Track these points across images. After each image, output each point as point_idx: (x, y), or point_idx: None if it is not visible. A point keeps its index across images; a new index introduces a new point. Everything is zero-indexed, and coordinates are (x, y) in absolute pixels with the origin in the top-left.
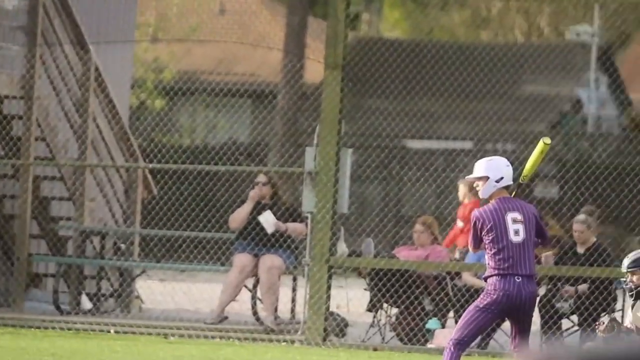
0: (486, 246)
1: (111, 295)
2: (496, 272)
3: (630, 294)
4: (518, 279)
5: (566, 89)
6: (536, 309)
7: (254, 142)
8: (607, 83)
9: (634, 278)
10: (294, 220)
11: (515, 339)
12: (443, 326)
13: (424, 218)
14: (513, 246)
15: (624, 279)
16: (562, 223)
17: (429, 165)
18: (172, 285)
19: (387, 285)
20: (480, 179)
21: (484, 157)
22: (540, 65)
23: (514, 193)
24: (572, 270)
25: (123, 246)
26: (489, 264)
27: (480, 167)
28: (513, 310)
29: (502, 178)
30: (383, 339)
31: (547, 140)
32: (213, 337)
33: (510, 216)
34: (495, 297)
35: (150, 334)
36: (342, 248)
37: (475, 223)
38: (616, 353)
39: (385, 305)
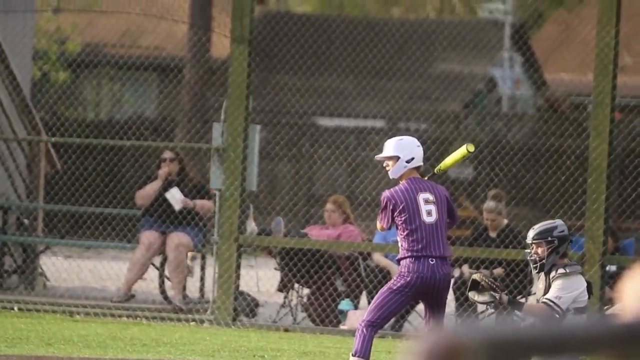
0: (398, 227)
1: (14, 272)
2: (409, 253)
3: (534, 266)
4: (432, 260)
5: (479, 68)
6: (451, 291)
7: (160, 117)
8: (521, 62)
9: (539, 250)
10: (202, 197)
11: (429, 321)
12: (356, 307)
13: (335, 197)
14: (426, 227)
15: (528, 251)
16: (477, 204)
17: (340, 143)
18: (78, 262)
19: (298, 265)
20: (390, 158)
21: (396, 136)
22: (452, 43)
23: (426, 178)
24: (486, 252)
25: (26, 221)
26: (402, 245)
27: (391, 146)
28: (427, 293)
29: (413, 158)
30: (294, 319)
31: (471, 147)
32: (120, 316)
33: (422, 197)
34: (409, 279)
35: (55, 312)
36: (252, 226)
37: (387, 203)
38: (523, 334)
39: (296, 285)
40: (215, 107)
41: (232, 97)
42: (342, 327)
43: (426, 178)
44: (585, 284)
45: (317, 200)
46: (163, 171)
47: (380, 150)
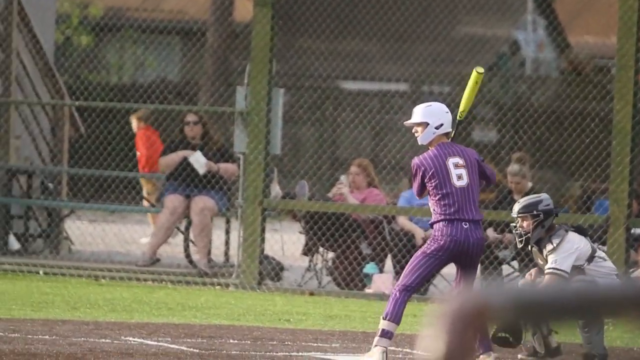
0: (430, 193)
1: (39, 236)
2: (442, 217)
3: (519, 239)
4: (465, 224)
5: (503, 30)
6: None
7: (183, 81)
8: (545, 25)
9: (524, 224)
10: (226, 161)
11: (459, 284)
12: (381, 271)
13: (359, 160)
14: (457, 191)
15: (514, 224)
16: (501, 167)
17: (363, 106)
18: (102, 226)
19: (323, 229)
20: (419, 124)
21: (419, 99)
22: (475, 6)
23: (453, 133)
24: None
25: (51, 185)
26: (434, 210)
27: (419, 112)
28: (460, 256)
29: (442, 125)
30: (319, 283)
31: (480, 69)
32: (145, 280)
33: (451, 161)
34: (442, 242)
35: (80, 276)
36: (276, 190)
37: (416, 171)
38: (549, 293)
39: (321, 249)
40: (239, 71)
41: (255, 61)
42: (367, 290)
43: (454, 133)
44: (577, 240)
45: (341, 164)
46: (205, 163)
47: (404, 114)
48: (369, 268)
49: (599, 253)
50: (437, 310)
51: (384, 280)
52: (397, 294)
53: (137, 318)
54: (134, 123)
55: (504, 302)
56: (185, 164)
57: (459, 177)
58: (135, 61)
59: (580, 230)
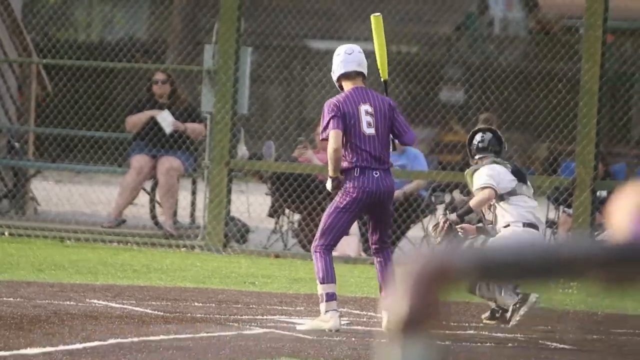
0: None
1: (5, 196)
2: (353, 165)
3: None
4: (376, 173)
5: None
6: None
7: (151, 39)
8: None
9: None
10: (193, 121)
11: (374, 234)
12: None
13: None
14: (366, 139)
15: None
16: (468, 128)
17: (331, 66)
18: (69, 187)
19: (289, 190)
20: None
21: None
22: None
23: (385, 95)
24: None
25: (17, 145)
26: (345, 157)
27: None
28: (372, 206)
29: (333, 71)
30: (285, 245)
31: (376, 14)
32: (111, 241)
33: (363, 108)
34: (355, 195)
35: (45, 237)
36: (243, 151)
37: (331, 109)
38: (514, 253)
39: (287, 210)
40: (207, 29)
41: (223, 19)
42: (332, 253)
43: (384, 90)
44: (498, 167)
45: (308, 124)
46: (176, 125)
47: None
48: None
49: (525, 195)
50: (399, 272)
51: (349, 243)
52: (322, 253)
53: (102, 280)
54: None
55: (467, 262)
56: (152, 123)
57: (369, 124)
58: (103, 18)
59: (517, 173)
